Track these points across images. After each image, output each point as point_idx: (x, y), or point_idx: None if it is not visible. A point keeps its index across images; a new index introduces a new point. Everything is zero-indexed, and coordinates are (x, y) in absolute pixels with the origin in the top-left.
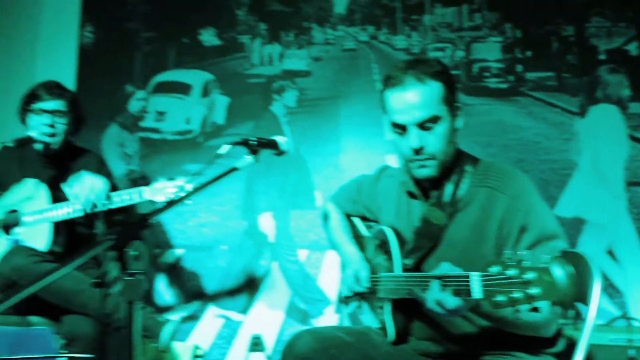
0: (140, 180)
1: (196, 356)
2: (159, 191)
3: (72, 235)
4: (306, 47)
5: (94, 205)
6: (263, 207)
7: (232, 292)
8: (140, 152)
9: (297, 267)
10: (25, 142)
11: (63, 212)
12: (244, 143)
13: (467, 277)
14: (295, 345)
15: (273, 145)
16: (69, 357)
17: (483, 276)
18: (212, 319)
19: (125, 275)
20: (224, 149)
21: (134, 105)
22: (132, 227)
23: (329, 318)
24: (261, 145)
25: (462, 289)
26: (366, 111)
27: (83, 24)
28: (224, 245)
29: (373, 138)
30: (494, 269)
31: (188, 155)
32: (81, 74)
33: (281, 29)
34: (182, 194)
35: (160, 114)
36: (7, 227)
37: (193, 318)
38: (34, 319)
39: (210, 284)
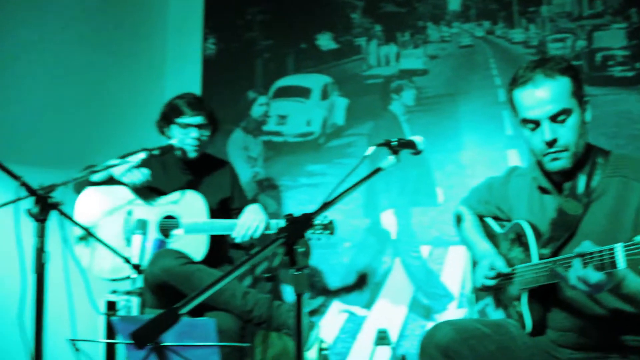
0: (265, 181)
1: (321, 349)
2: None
3: (214, 241)
4: (422, 46)
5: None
6: (385, 204)
7: (356, 288)
8: (263, 155)
9: (420, 263)
10: (168, 150)
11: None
12: (386, 144)
13: (612, 249)
14: (435, 336)
15: (412, 145)
16: (229, 346)
17: (626, 246)
18: (336, 313)
19: (294, 270)
20: (370, 150)
21: (256, 111)
22: (299, 225)
23: (452, 313)
24: (401, 146)
25: (605, 263)
26: (485, 107)
27: (206, 37)
28: (348, 242)
29: (493, 134)
30: (638, 238)
31: (310, 156)
32: (206, 83)
33: (396, 29)
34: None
35: (282, 117)
36: (165, 231)
37: (317, 312)
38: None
39: (334, 280)
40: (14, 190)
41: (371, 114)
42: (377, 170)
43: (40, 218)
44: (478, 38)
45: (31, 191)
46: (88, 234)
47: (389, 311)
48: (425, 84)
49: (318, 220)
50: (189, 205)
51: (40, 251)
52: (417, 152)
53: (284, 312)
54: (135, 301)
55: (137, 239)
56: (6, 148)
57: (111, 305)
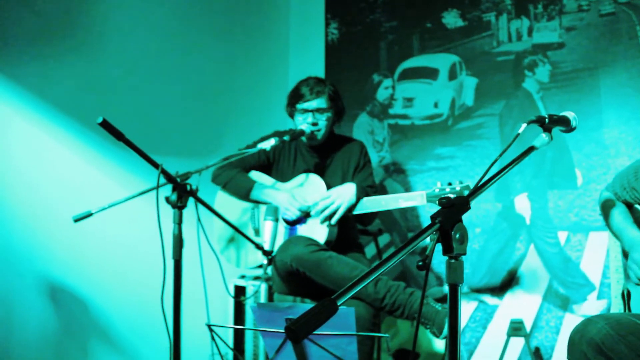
0: (392, 166)
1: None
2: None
3: (343, 227)
4: (557, 18)
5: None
6: (518, 188)
7: (487, 275)
8: (389, 139)
9: (557, 249)
10: (297, 136)
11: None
12: (539, 121)
13: None
14: (587, 331)
15: (565, 121)
16: (368, 336)
17: None
18: (465, 302)
19: (449, 258)
20: (522, 128)
21: (382, 94)
22: (456, 209)
23: (592, 304)
24: (554, 123)
25: None
26: (631, 80)
27: (328, 22)
28: (478, 227)
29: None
30: None
31: (438, 139)
32: (330, 68)
33: (528, 1)
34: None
35: (409, 100)
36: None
37: (445, 300)
38: (306, 302)
39: (464, 267)
40: (154, 178)
41: (502, 93)
42: (531, 149)
43: (179, 205)
44: (621, 4)
45: (170, 178)
46: (226, 224)
47: (522, 301)
48: (561, 58)
49: (448, 186)
50: (313, 188)
51: (178, 238)
52: (570, 130)
53: (417, 299)
54: (263, 287)
55: (268, 225)
56: (146, 139)
57: (239, 291)
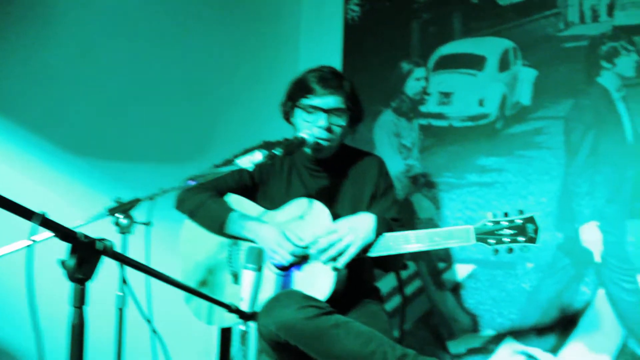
0: (421, 177)
1: None
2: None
3: (355, 266)
4: None
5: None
6: (587, 214)
7: (540, 325)
8: (420, 144)
9: (636, 298)
10: (295, 147)
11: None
12: None
13: None
14: None
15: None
16: None
17: None
18: (509, 356)
19: None
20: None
21: (412, 87)
22: None
23: None
24: None
25: None
26: None
27: None
28: (530, 262)
29: None
30: None
31: (483, 146)
32: (348, 53)
33: None
34: None
35: (446, 95)
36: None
37: (483, 351)
38: None
39: (509, 312)
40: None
41: (570, 90)
42: None
43: (78, 277)
44: None
45: (61, 232)
46: (179, 288)
47: None
48: None
49: (504, 219)
50: (314, 220)
51: (77, 335)
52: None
53: None
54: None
55: (247, 276)
56: (113, 141)
57: (224, 333)
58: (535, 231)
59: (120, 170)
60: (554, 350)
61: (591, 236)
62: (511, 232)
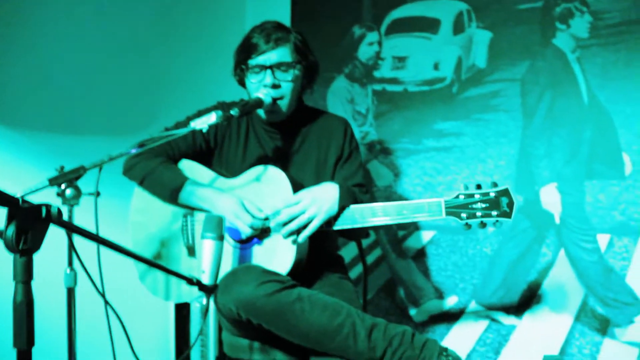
0: (377, 144)
1: None
2: None
3: (317, 236)
4: None
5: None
6: (545, 176)
7: (502, 288)
8: (375, 110)
9: (595, 257)
10: (252, 108)
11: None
12: None
13: None
14: None
15: None
16: None
17: None
18: (472, 320)
19: None
20: None
21: (364, 51)
22: None
23: None
24: None
25: None
26: None
27: None
28: (490, 227)
29: None
30: None
31: (439, 111)
32: (297, 19)
33: None
34: None
35: (400, 59)
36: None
37: (448, 318)
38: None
39: (471, 277)
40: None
41: (526, 52)
42: None
43: (22, 248)
44: None
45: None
46: (135, 258)
47: (548, 321)
48: (607, 6)
49: (477, 192)
50: (272, 188)
51: (24, 309)
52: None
53: (434, 355)
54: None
55: (208, 245)
56: (52, 111)
57: (180, 308)
58: (510, 205)
59: (64, 144)
60: (518, 312)
61: (551, 198)
62: (484, 205)
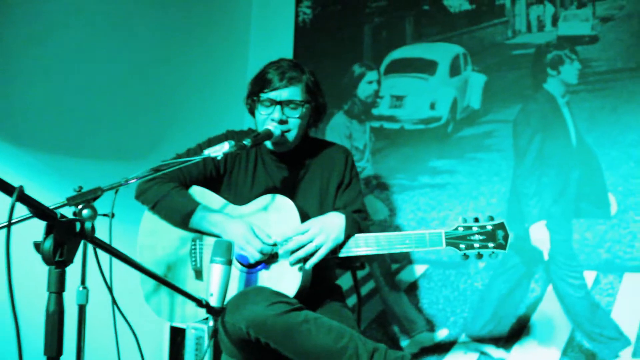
0: (373, 179)
1: None
2: None
3: (318, 265)
4: (590, 5)
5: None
6: (535, 214)
7: (492, 322)
8: (372, 146)
9: (582, 293)
10: (262, 139)
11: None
12: None
13: None
14: None
15: None
16: None
17: None
18: (462, 352)
19: None
20: None
21: (364, 89)
22: None
23: None
24: None
25: None
26: None
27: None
28: (482, 261)
29: None
30: None
31: (434, 149)
32: (299, 56)
33: None
34: None
35: (398, 98)
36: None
37: (438, 350)
38: None
39: (462, 310)
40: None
41: (518, 95)
42: None
43: (57, 260)
44: None
45: (39, 210)
46: (148, 275)
47: (536, 355)
48: (594, 55)
49: (475, 224)
50: (281, 216)
51: (54, 322)
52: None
53: None
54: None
55: (216, 270)
56: (60, 135)
57: (176, 334)
58: (505, 238)
59: (75, 168)
60: (507, 346)
61: (540, 235)
62: (481, 237)
